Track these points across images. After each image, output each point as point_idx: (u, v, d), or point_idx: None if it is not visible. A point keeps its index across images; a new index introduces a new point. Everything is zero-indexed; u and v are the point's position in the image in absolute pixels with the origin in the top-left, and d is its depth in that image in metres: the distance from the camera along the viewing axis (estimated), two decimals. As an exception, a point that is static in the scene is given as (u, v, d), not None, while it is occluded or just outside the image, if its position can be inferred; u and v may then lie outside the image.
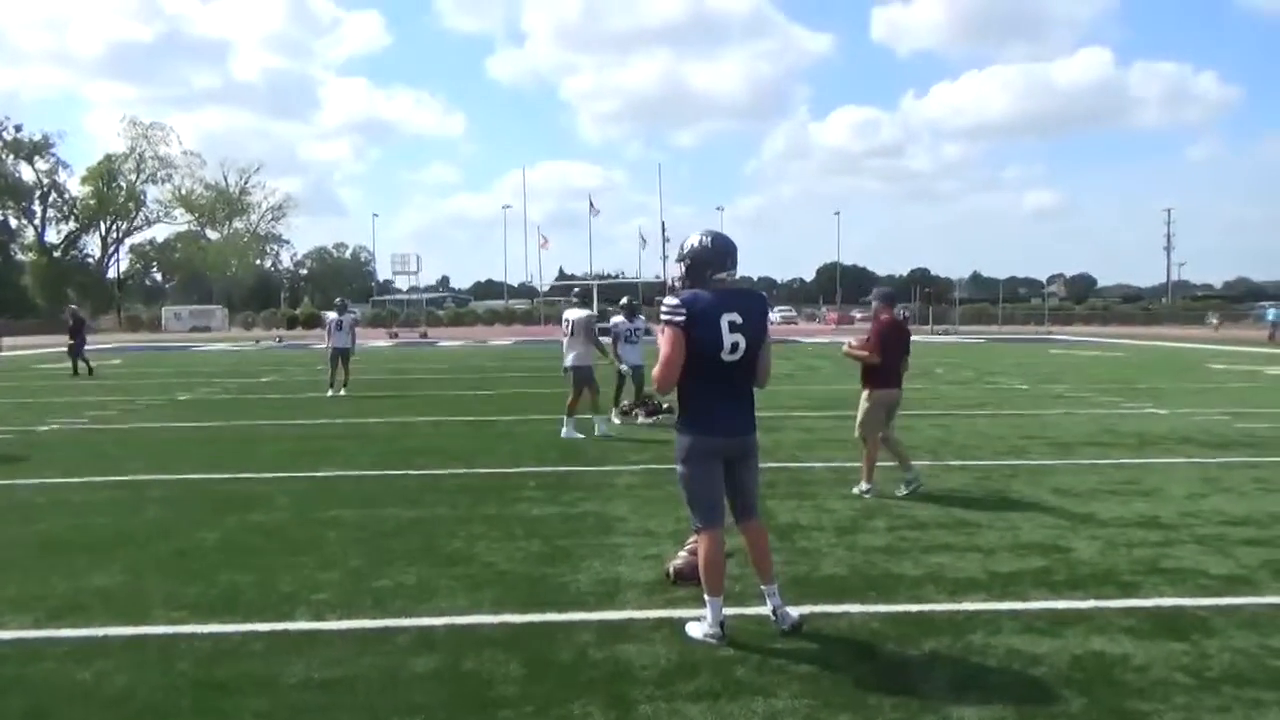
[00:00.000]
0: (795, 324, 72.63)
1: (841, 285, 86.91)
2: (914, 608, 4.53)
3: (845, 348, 7.55)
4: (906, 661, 3.89)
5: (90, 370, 21.48)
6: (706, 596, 4.13)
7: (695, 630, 4.14)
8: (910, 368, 7.54)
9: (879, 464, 7.29)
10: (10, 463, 9.09)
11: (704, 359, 3.98)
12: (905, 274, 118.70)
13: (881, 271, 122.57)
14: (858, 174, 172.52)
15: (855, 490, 7.21)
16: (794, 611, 4.24)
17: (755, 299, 4.15)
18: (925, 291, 64.87)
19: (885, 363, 7.17)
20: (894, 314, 7.42)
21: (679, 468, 4.21)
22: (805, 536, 5.91)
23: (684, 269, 4.13)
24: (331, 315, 16.29)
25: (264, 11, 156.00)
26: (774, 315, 77.63)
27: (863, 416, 7.30)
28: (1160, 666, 3.79)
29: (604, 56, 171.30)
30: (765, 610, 4.38)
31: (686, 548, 5.16)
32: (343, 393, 15.57)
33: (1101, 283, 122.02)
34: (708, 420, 4.09)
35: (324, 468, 8.58)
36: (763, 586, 4.28)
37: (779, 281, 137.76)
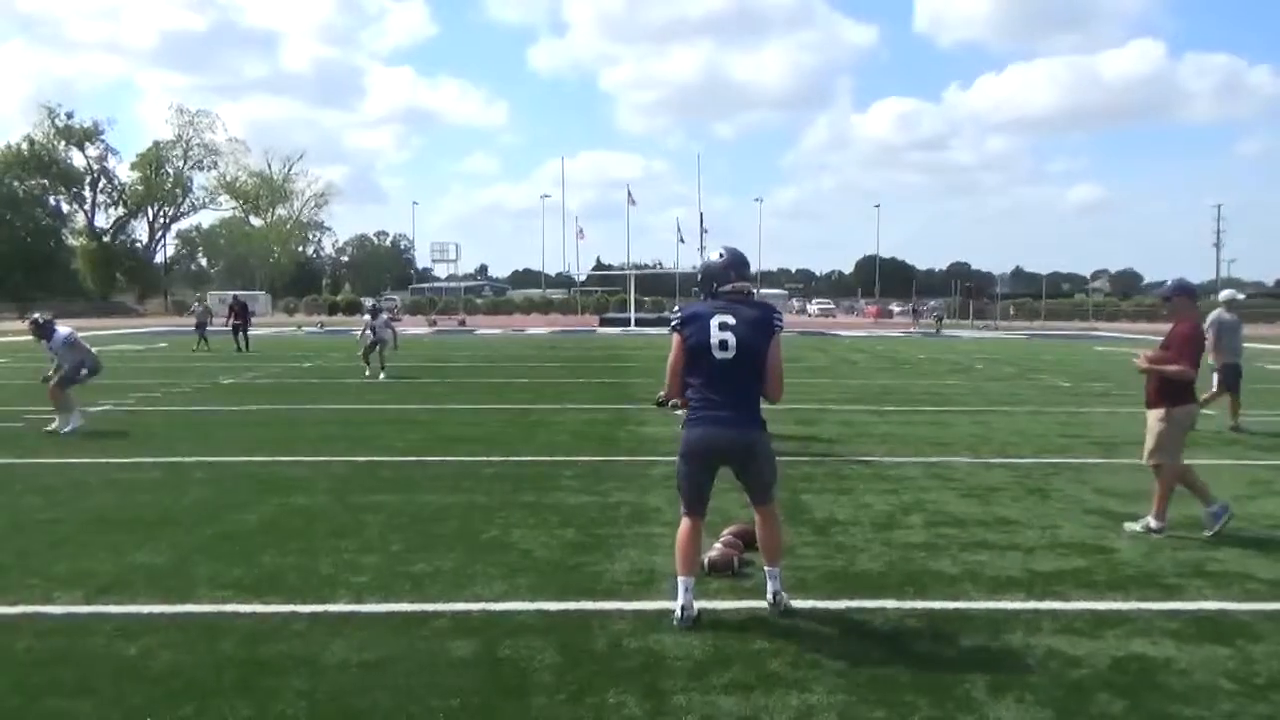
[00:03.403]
0: (833, 317, 72.12)
1: (880, 278, 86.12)
2: (951, 605, 4.50)
3: (1139, 362, 6.05)
4: (943, 659, 3.86)
5: (245, 348, 24.42)
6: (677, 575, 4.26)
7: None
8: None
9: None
10: (63, 442, 9.31)
11: (698, 358, 4.15)
12: (945, 268, 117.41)
13: (921, 265, 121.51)
14: (899, 166, 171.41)
15: (1136, 527, 5.90)
16: (796, 602, 4.36)
17: (756, 307, 4.24)
18: (966, 286, 63.95)
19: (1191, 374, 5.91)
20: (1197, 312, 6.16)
21: (676, 459, 4.43)
22: (842, 531, 5.88)
23: (699, 282, 4.40)
24: (365, 318, 18.07)
25: (313, 2, 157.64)
26: (812, 307, 77.22)
27: (1157, 440, 5.88)
28: (1204, 671, 3.73)
29: (645, 47, 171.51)
30: (799, 602, 4.39)
31: (721, 540, 5.17)
32: (381, 378, 16.09)
33: (1148, 279, 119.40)
34: (697, 419, 4.24)
35: (364, 452, 8.68)
36: (766, 568, 4.37)
37: (817, 274, 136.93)
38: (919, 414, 12.07)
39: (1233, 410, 10.61)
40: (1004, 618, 4.32)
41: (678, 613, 4.17)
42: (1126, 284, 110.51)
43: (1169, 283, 6.26)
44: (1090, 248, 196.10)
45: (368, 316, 17.79)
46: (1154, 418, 5.96)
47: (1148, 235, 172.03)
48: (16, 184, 77.87)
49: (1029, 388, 15.96)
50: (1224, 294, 11.49)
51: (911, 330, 44.58)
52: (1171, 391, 5.90)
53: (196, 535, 5.70)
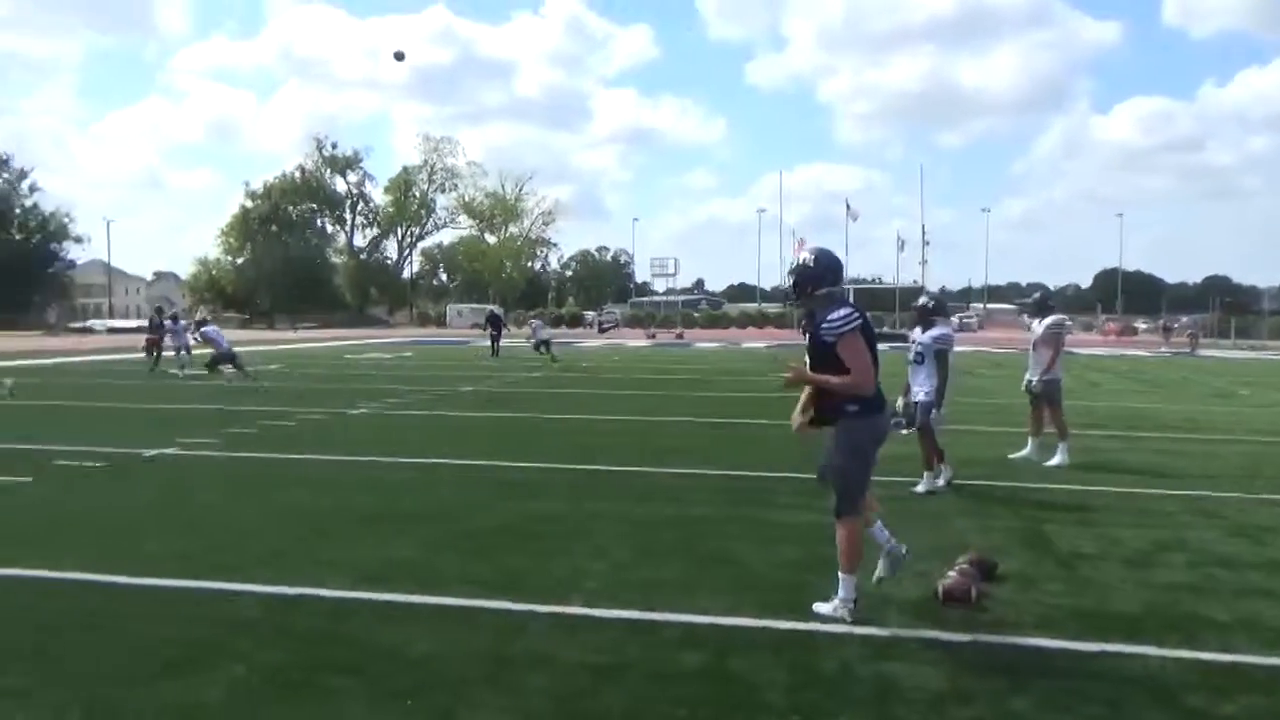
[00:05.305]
0: (1069, 333, 67.24)
1: (1123, 293, 79.36)
2: (1224, 657, 4.06)
3: None
4: (1213, 717, 3.50)
5: (495, 353, 28.37)
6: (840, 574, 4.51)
7: (823, 607, 4.49)
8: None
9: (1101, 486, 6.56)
10: (330, 442, 10.34)
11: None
12: (1199, 281, 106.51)
13: (1171, 279, 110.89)
14: (1145, 171, 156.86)
15: None
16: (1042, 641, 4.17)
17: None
18: (1225, 301, 57.60)
19: None
20: None
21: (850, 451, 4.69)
22: (1091, 566, 5.46)
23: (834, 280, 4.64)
24: (535, 322, 28.21)
25: (545, 31, 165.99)
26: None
27: None
28: None
29: (865, 57, 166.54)
30: (1044, 641, 4.14)
31: (956, 566, 4.96)
32: (554, 364, 23.64)
33: None
34: (877, 407, 4.66)
35: (590, 461, 9.03)
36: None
37: (1051, 288, 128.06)
38: (1174, 441, 11.00)
39: None
40: (1288, 676, 3.86)
41: (851, 606, 4.46)
42: None
43: None
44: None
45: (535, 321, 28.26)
46: None
47: None
48: (290, 209, 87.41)
49: (1310, 416, 14.14)
50: None
51: (1161, 349, 40.73)
52: None
53: (445, 532, 6.14)
